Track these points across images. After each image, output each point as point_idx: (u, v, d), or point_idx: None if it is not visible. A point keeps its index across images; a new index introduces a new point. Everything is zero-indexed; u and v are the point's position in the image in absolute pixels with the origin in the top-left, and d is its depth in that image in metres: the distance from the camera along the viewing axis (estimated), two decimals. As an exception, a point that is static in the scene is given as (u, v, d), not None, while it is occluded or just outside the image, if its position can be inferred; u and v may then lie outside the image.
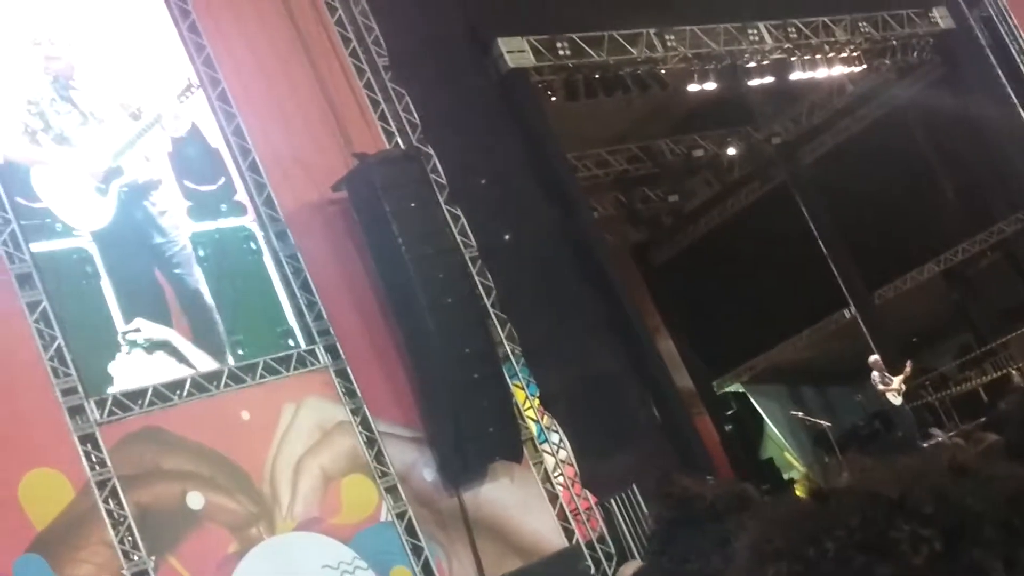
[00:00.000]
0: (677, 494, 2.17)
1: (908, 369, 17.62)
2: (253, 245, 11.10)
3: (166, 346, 10.10)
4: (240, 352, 10.51)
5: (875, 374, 17.49)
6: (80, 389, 9.51)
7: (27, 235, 9.77)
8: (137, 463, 9.56)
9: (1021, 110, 17.65)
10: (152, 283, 10.34)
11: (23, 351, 9.40)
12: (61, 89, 10.56)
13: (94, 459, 9.32)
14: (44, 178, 10.19)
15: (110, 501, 9.21)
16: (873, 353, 18.63)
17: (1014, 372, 19.08)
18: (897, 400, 17.20)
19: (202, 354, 10.28)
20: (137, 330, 10.00)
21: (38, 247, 9.84)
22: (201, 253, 10.67)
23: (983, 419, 17.57)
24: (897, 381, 17.29)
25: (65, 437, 9.29)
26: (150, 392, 9.83)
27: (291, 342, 10.87)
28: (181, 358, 10.14)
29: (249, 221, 11.17)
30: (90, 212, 10.30)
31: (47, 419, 9.31)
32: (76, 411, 9.44)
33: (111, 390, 9.70)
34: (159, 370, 10.01)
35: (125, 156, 10.63)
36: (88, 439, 9.37)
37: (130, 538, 9.16)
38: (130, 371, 9.88)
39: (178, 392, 9.99)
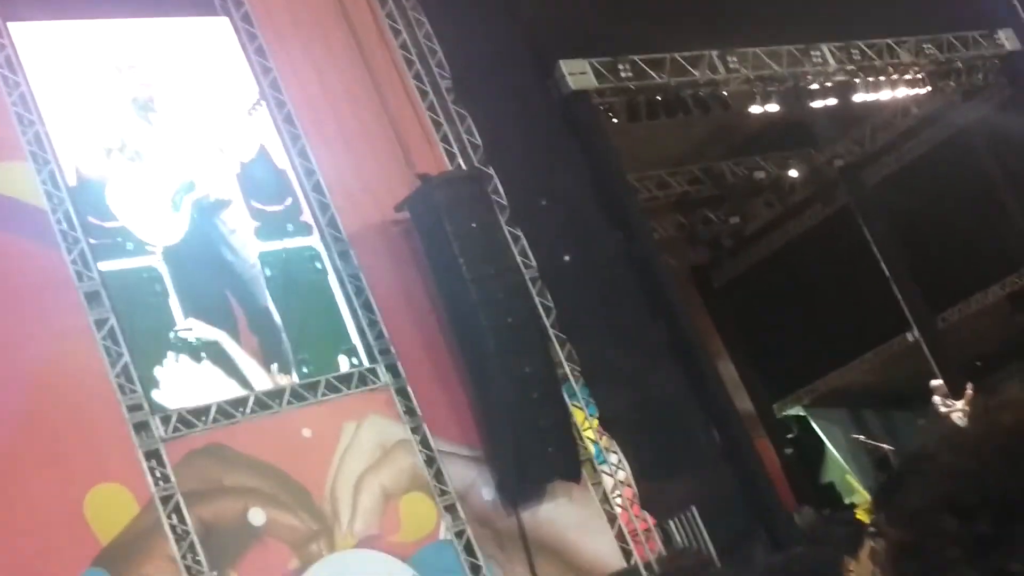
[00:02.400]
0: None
1: (969, 393, 17.41)
2: (318, 265, 11.25)
3: (215, 347, 10.22)
4: (305, 370, 10.64)
5: (936, 398, 17.32)
6: (145, 405, 9.68)
7: (96, 254, 9.97)
8: (200, 479, 9.70)
9: (1088, 132, 17.43)
10: (221, 300, 10.51)
11: (91, 368, 9.58)
12: (139, 110, 10.80)
13: (158, 475, 9.47)
14: (119, 193, 10.41)
15: (173, 517, 9.35)
16: (936, 377, 18.44)
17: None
18: (962, 424, 17.02)
19: (259, 367, 10.41)
20: (189, 329, 10.14)
21: (107, 265, 10.04)
22: (268, 272, 10.83)
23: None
24: (960, 405, 17.11)
25: (130, 453, 9.45)
26: (214, 409, 9.98)
27: (353, 361, 10.98)
28: (230, 363, 10.25)
29: (315, 241, 11.32)
30: (163, 227, 10.52)
31: (113, 435, 9.48)
32: (141, 427, 9.61)
33: (171, 405, 9.84)
34: (208, 377, 10.12)
35: (199, 172, 10.83)
36: (153, 455, 9.53)
37: (193, 554, 9.29)
38: (179, 377, 10.00)
39: (241, 409, 10.13)
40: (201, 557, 9.30)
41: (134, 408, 9.62)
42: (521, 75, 13.44)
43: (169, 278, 10.38)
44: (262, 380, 10.42)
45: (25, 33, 10.62)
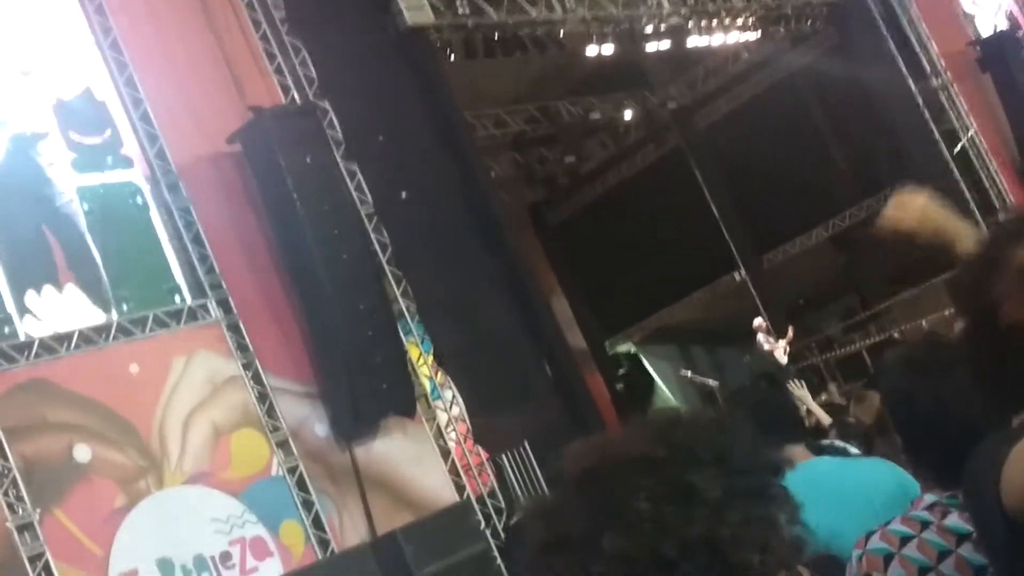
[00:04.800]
0: None
1: (790, 334, 18.08)
2: (139, 199, 10.93)
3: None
4: (125, 307, 10.37)
5: (760, 336, 17.91)
6: (-37, 339, 9.35)
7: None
8: (23, 415, 9.42)
9: (910, 80, 18.08)
10: (38, 236, 10.15)
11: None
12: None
13: (-22, 411, 9.18)
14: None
15: (-6, 453, 9.08)
16: (760, 315, 19.06)
17: (897, 335, 19.65)
18: (783, 361, 17.64)
19: (89, 307, 10.15)
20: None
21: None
22: (86, 207, 10.48)
23: (866, 379, 18.10)
24: (782, 344, 17.73)
25: (-52, 388, 9.15)
26: (36, 344, 9.70)
27: (178, 298, 10.76)
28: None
29: (136, 175, 10.98)
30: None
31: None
32: (-42, 361, 9.29)
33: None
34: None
35: (12, 103, 10.40)
36: (-28, 390, 9.23)
37: (15, 491, 9.05)
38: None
39: (65, 344, 9.86)
40: (24, 494, 9.07)
41: (-50, 342, 9.30)
42: (358, 8, 13.27)
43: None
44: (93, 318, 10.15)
45: None
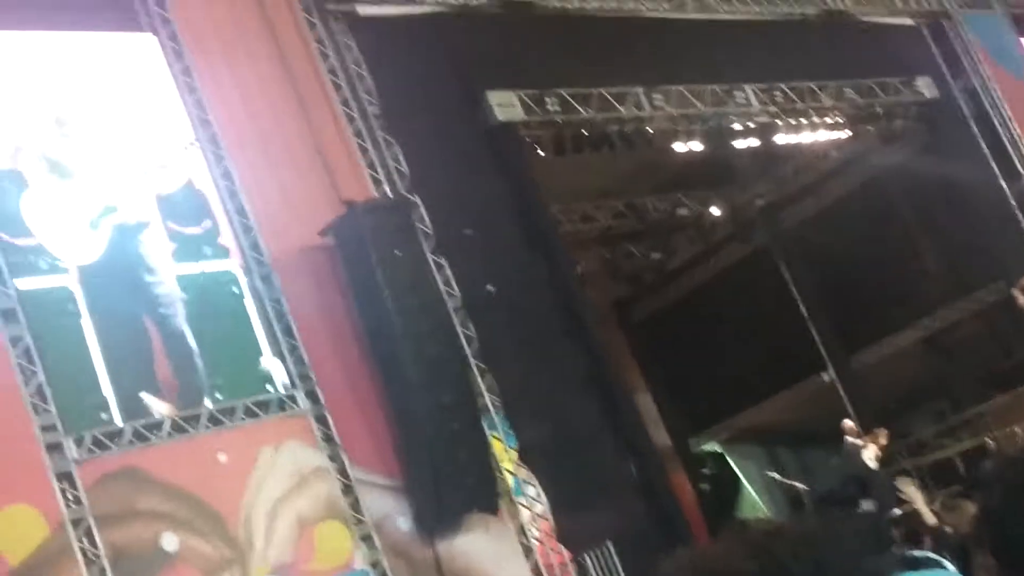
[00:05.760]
0: None
1: (883, 438, 17.70)
2: (235, 289, 11.11)
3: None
4: (218, 396, 10.50)
5: (848, 438, 17.57)
6: (59, 426, 9.48)
7: (12, 271, 9.78)
8: (113, 502, 9.50)
9: (1001, 180, 17.87)
10: (136, 322, 10.34)
11: (4, 386, 9.37)
12: (60, 126, 10.64)
13: (70, 497, 9.27)
14: (35, 210, 10.22)
15: (84, 540, 9.15)
16: (849, 417, 18.71)
17: (989, 441, 19.17)
18: (873, 465, 17.25)
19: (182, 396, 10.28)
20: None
21: (23, 283, 9.84)
22: (185, 296, 10.67)
23: (958, 486, 17.65)
24: (872, 447, 17.36)
25: (42, 474, 9.25)
26: (129, 432, 9.81)
27: (270, 387, 10.86)
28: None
29: (233, 264, 11.18)
30: (80, 246, 10.33)
31: (25, 455, 9.27)
32: (54, 448, 9.40)
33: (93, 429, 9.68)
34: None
35: (121, 193, 10.68)
36: (65, 477, 9.33)
37: (102, 578, 9.10)
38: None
39: (157, 432, 9.96)
40: (110, 582, 9.12)
41: (47, 428, 9.42)
42: (449, 104, 13.47)
43: (83, 298, 10.19)
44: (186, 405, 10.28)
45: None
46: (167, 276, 10.69)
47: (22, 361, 9.49)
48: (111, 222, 10.53)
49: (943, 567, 6.14)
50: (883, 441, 17.57)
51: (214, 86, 11.64)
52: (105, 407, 9.88)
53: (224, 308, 11.00)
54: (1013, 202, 17.76)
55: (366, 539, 10.68)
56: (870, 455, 17.32)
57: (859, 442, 17.55)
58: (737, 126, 16.62)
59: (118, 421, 9.86)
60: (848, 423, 18.08)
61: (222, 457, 10.24)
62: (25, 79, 10.74)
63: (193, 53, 11.65)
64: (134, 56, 11.54)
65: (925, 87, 18.44)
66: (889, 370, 21.18)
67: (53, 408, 9.49)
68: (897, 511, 14.25)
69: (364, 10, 13.23)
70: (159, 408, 9.91)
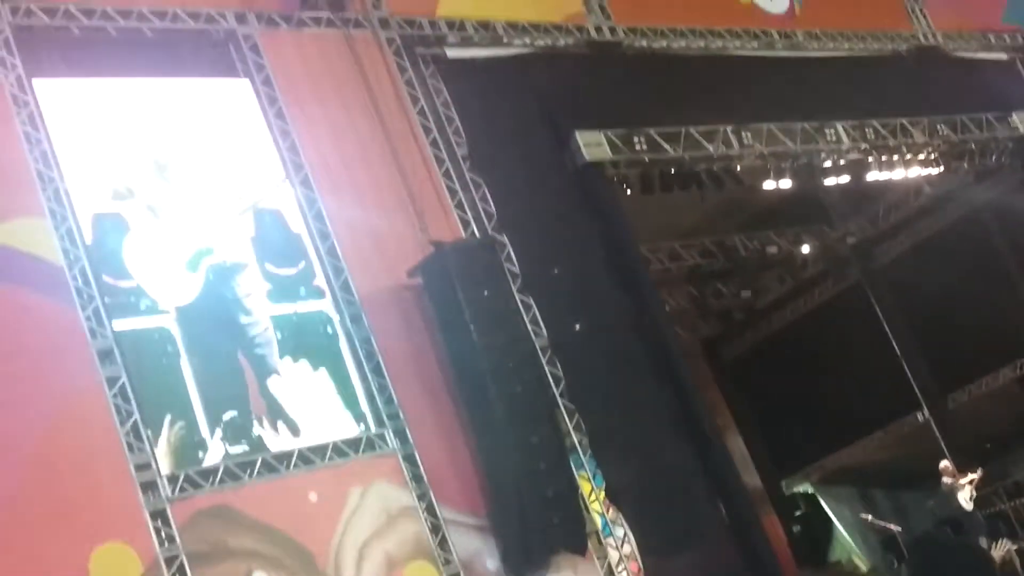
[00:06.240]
0: None
1: (977, 475, 17.35)
2: (330, 329, 11.28)
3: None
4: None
5: (945, 479, 17.23)
6: (153, 464, 9.66)
7: (111, 312, 10.01)
8: (205, 541, 9.64)
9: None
10: (232, 362, 10.53)
11: (100, 425, 9.58)
12: (158, 170, 10.91)
13: (163, 535, 9.41)
14: (135, 253, 10.48)
15: (177, 577, 9.29)
16: (945, 457, 18.36)
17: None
18: (969, 507, 16.90)
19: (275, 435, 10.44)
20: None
21: (120, 324, 10.06)
22: (280, 335, 10.85)
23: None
24: (968, 488, 17.01)
25: (136, 512, 9.41)
26: (221, 470, 9.96)
27: (361, 426, 10.98)
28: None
29: (326, 305, 11.35)
30: (177, 288, 10.56)
31: (120, 493, 9.45)
32: (148, 486, 9.56)
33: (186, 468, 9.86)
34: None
35: (217, 235, 10.90)
36: (159, 515, 9.48)
37: (193, 616, 9.22)
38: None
39: (249, 471, 10.10)
40: (202, 620, 9.24)
41: (142, 467, 9.58)
42: (537, 145, 13.56)
43: (181, 339, 10.40)
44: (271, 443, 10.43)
45: (48, 90, 10.73)
46: (262, 316, 10.87)
47: (118, 400, 9.69)
48: (208, 263, 10.75)
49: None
50: (977, 478, 17.21)
51: (306, 129, 11.85)
52: (203, 446, 10.06)
53: (318, 348, 11.15)
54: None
55: (454, 578, 10.70)
56: (966, 496, 16.98)
57: (957, 483, 17.21)
58: (828, 163, 16.46)
59: (212, 460, 10.01)
60: (946, 464, 17.75)
61: (313, 496, 10.34)
62: (126, 124, 11.02)
63: (286, 97, 11.87)
64: (230, 101, 11.79)
65: (1020, 122, 18.11)
66: (985, 410, 20.78)
67: (148, 447, 9.67)
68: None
69: (453, 53, 13.39)
70: None
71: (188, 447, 10.00)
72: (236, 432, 10.28)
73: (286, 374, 10.77)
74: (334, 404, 11.00)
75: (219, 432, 10.19)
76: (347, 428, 10.90)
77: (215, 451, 10.10)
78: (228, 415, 10.29)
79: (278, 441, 10.42)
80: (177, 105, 11.45)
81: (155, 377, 10.13)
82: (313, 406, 10.80)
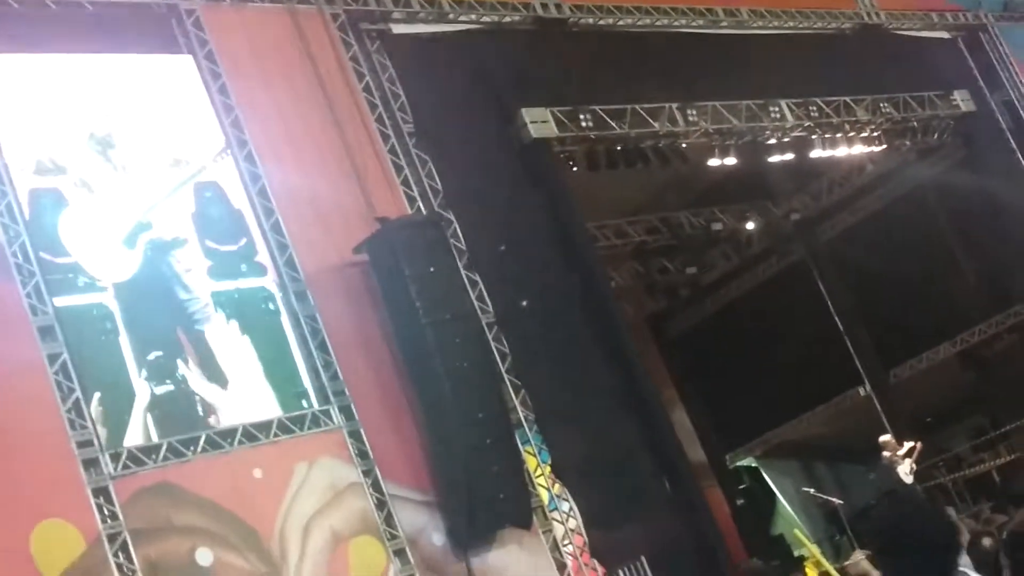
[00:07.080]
0: None
1: (917, 448, 17.61)
2: (271, 305, 11.23)
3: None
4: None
5: (886, 453, 17.47)
6: (95, 442, 9.60)
7: (51, 289, 9.92)
8: (149, 518, 9.60)
9: (1040, 193, 17.74)
10: (171, 339, 10.46)
11: (42, 402, 9.50)
12: (97, 146, 10.79)
13: (106, 512, 9.36)
14: (72, 229, 10.36)
15: (120, 555, 9.23)
16: (886, 431, 18.61)
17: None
18: (909, 480, 17.16)
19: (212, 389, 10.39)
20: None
21: (60, 301, 9.97)
22: (221, 312, 10.79)
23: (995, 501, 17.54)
24: (907, 461, 17.27)
25: (79, 489, 9.36)
26: (164, 447, 9.92)
27: (305, 403, 10.96)
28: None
29: (269, 282, 11.30)
30: (116, 264, 10.46)
31: (62, 471, 9.39)
32: (90, 464, 9.51)
33: (127, 444, 9.79)
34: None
35: (155, 210, 10.82)
36: (101, 492, 9.43)
37: (139, 592, 9.20)
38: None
39: (192, 448, 10.06)
40: (147, 596, 9.21)
41: (84, 444, 9.52)
42: (483, 121, 13.56)
43: (120, 315, 10.32)
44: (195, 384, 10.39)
45: (-12, 66, 10.60)
46: (203, 292, 10.80)
47: (59, 377, 9.61)
48: (146, 239, 10.66)
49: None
50: (916, 451, 17.47)
51: (250, 106, 11.76)
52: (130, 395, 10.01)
53: (260, 325, 11.10)
54: (1052, 215, 17.63)
55: (399, 554, 10.74)
56: (906, 469, 17.23)
57: (897, 456, 17.45)
58: (772, 140, 16.60)
59: (154, 437, 9.96)
60: (887, 437, 17.99)
61: (257, 473, 10.33)
62: (64, 99, 10.89)
63: (229, 72, 11.77)
64: (172, 77, 11.68)
65: (962, 100, 18.36)
66: (927, 385, 21.07)
67: (90, 424, 9.61)
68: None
69: (398, 29, 13.34)
70: None
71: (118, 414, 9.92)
72: (160, 371, 10.19)
73: (224, 348, 10.71)
74: (281, 379, 10.96)
75: (144, 372, 10.11)
76: (293, 404, 10.85)
77: (142, 394, 10.00)
78: (153, 355, 10.21)
79: (203, 385, 10.34)
80: (118, 80, 11.31)
81: (95, 354, 10.04)
82: (248, 380, 10.75)
